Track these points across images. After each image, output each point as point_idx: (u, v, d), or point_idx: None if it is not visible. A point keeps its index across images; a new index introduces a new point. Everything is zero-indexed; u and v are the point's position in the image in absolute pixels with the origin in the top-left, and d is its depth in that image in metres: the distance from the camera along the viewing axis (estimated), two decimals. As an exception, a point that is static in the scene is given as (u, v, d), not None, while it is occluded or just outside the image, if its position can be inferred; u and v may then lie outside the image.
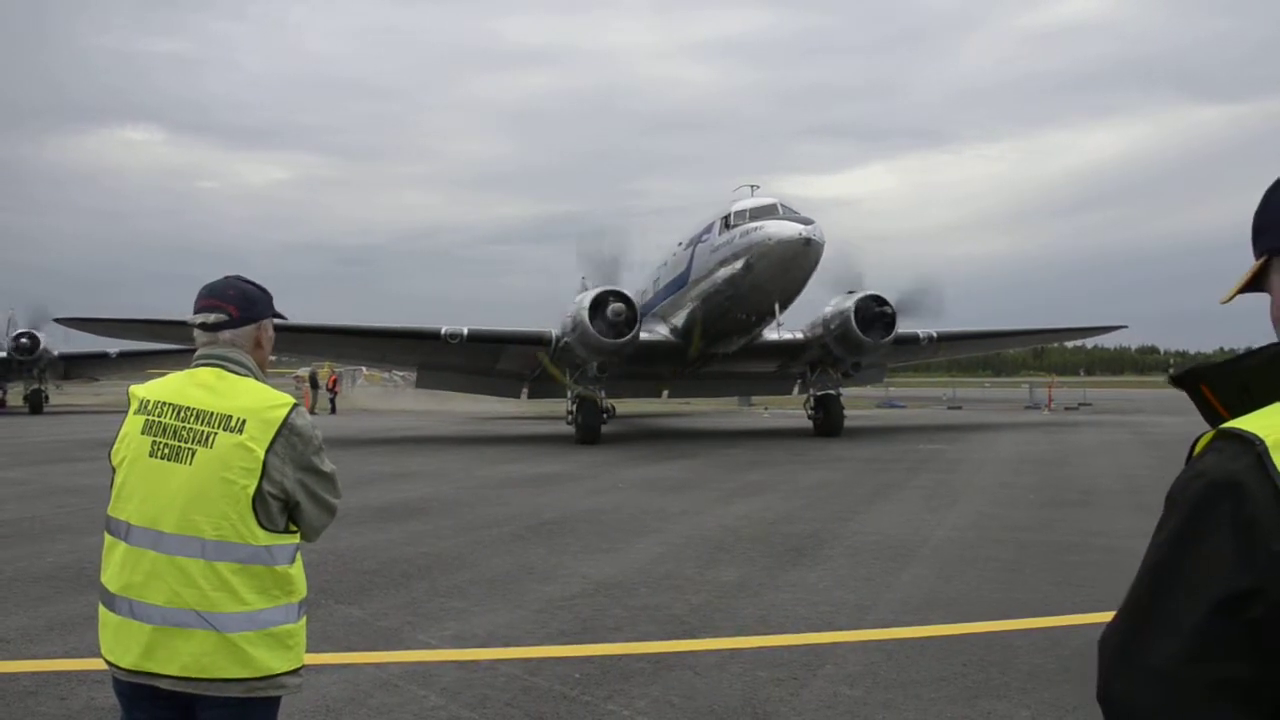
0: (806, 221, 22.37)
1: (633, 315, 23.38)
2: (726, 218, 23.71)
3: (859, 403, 41.57)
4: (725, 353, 26.68)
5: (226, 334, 3.06)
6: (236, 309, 3.07)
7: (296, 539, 2.98)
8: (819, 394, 27.33)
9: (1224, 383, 1.40)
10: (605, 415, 25.75)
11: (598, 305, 23.23)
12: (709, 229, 24.45)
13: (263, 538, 2.85)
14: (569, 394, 25.78)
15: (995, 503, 13.28)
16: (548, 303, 32.71)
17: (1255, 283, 1.45)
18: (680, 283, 25.44)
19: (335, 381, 47.62)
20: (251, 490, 2.83)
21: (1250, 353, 1.38)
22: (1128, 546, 9.63)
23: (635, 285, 26.66)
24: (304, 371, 46.45)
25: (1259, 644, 1.18)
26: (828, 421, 26.69)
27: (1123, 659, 1.28)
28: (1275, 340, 1.39)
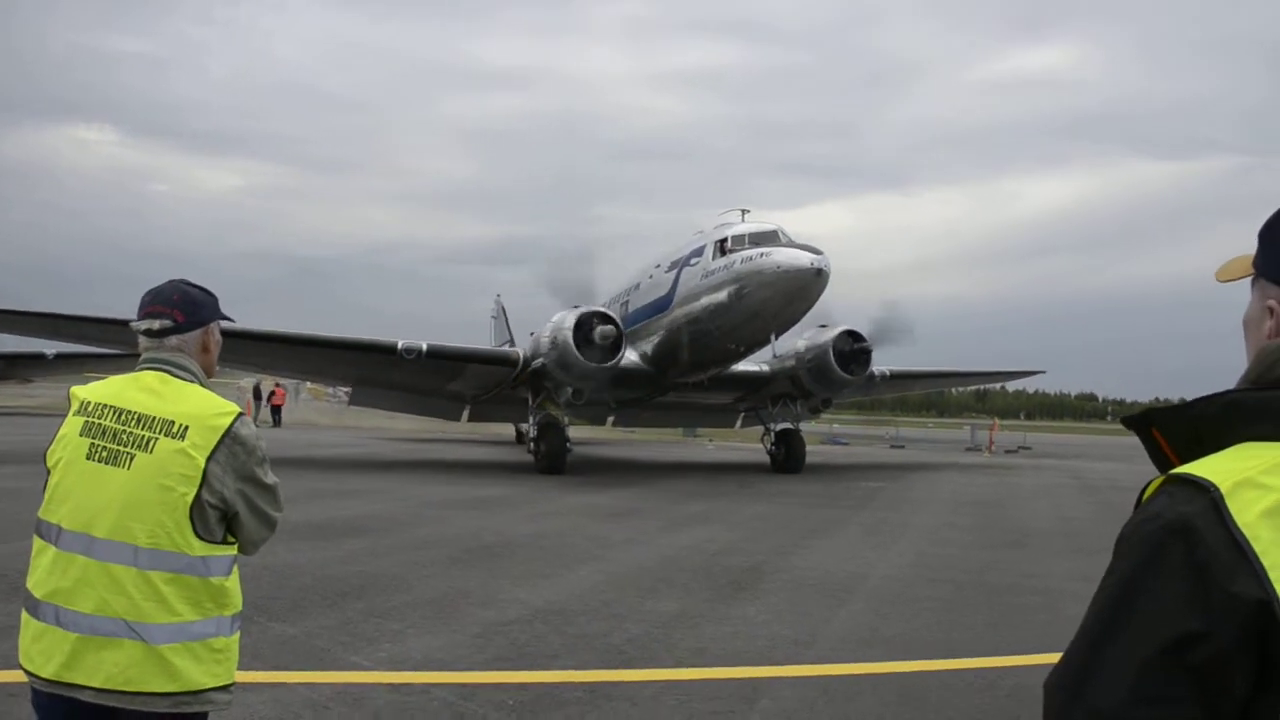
0: (816, 251, 21.31)
1: (619, 339, 22.39)
2: (722, 242, 22.58)
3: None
4: (693, 382, 25.59)
5: (173, 339, 3.00)
6: (182, 314, 3.01)
7: (234, 551, 2.91)
8: (780, 428, 26.56)
9: (1176, 428, 1.41)
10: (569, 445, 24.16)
11: (580, 327, 22.12)
12: (697, 252, 23.31)
13: (198, 548, 2.78)
14: (531, 418, 24.46)
15: (935, 542, 13.37)
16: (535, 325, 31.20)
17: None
18: (660, 306, 24.17)
19: (282, 395, 46.99)
20: (190, 498, 2.77)
21: (1204, 399, 1.39)
22: (1064, 589, 9.74)
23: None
24: (247, 382, 45.70)
25: (1207, 687, 1.18)
26: (789, 457, 25.95)
27: (1070, 701, 1.26)
28: (1224, 390, 1.39)
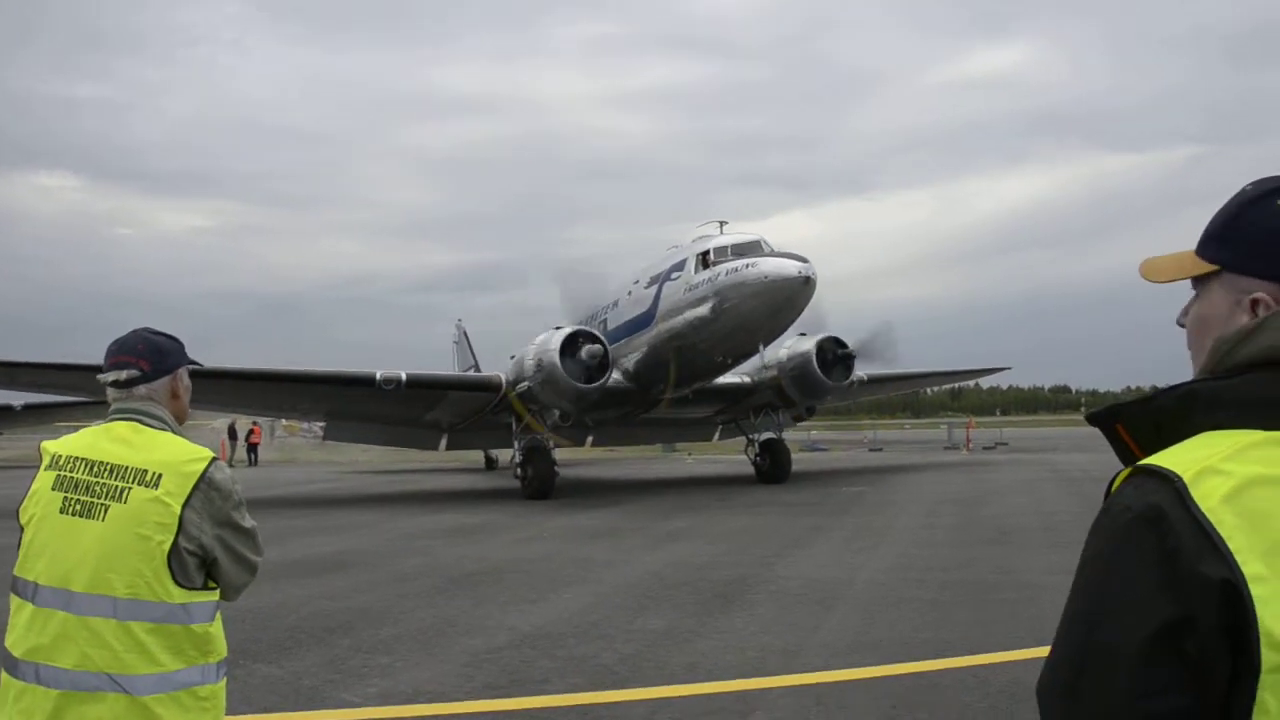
0: (802, 259, 21.07)
1: (607, 358, 21.97)
2: (704, 255, 22.24)
3: (782, 446, 41.75)
4: (677, 397, 25.05)
5: (141, 388, 2.98)
6: (148, 363, 3.00)
7: (215, 596, 2.89)
8: (763, 439, 26.32)
9: (1138, 421, 1.42)
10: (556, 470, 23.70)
11: (565, 347, 21.63)
12: (679, 266, 22.92)
13: (178, 595, 2.75)
14: (515, 443, 23.98)
15: (918, 543, 13.42)
16: (499, 350, 30.38)
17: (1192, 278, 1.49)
18: (642, 323, 23.66)
19: (259, 433, 46.67)
20: (167, 546, 2.74)
21: (1162, 391, 1.41)
22: (1047, 583, 9.79)
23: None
24: (221, 422, 45.30)
25: (1195, 673, 1.19)
26: (775, 467, 25.71)
27: (1066, 703, 1.27)
28: (1183, 381, 1.41)
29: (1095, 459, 32.49)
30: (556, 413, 22.70)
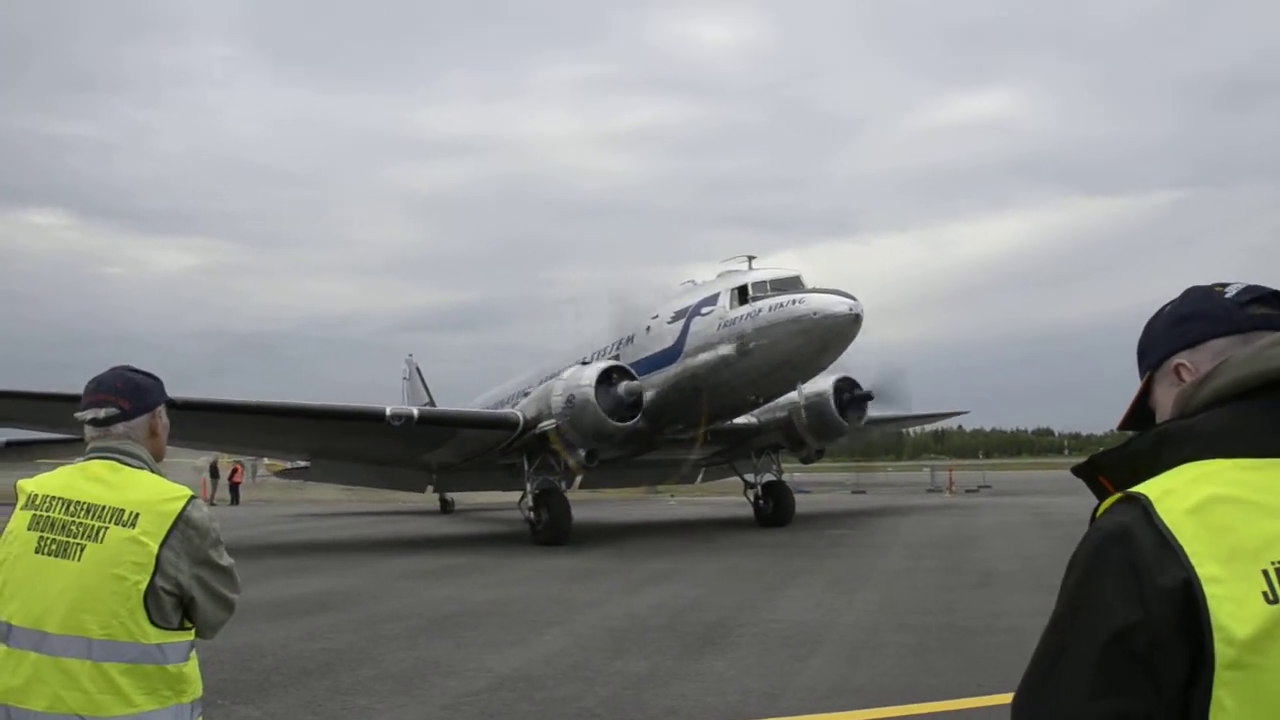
0: (850, 296, 20.43)
1: (641, 396, 21.02)
2: (742, 289, 21.42)
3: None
4: (688, 437, 23.65)
5: (119, 427, 2.97)
6: (127, 401, 3.00)
7: (191, 636, 2.87)
8: (765, 481, 25.62)
9: (1117, 466, 1.57)
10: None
11: (600, 383, 20.49)
12: (710, 300, 21.95)
13: (154, 635, 2.73)
14: (528, 485, 22.50)
15: (901, 586, 13.40)
16: (448, 390, 30.20)
17: (1142, 402, 1.72)
18: (666, 359, 22.43)
19: (241, 472, 46.31)
20: (144, 586, 2.73)
21: (1138, 435, 1.56)
22: (1030, 627, 9.76)
23: (555, 364, 24.47)
24: (203, 460, 44.92)
25: (1152, 673, 1.30)
26: (778, 510, 24.97)
27: (1030, 706, 1.41)
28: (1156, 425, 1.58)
29: (1078, 501, 32.51)
30: (583, 452, 21.38)
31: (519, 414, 22.67)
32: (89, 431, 3.00)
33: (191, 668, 2.84)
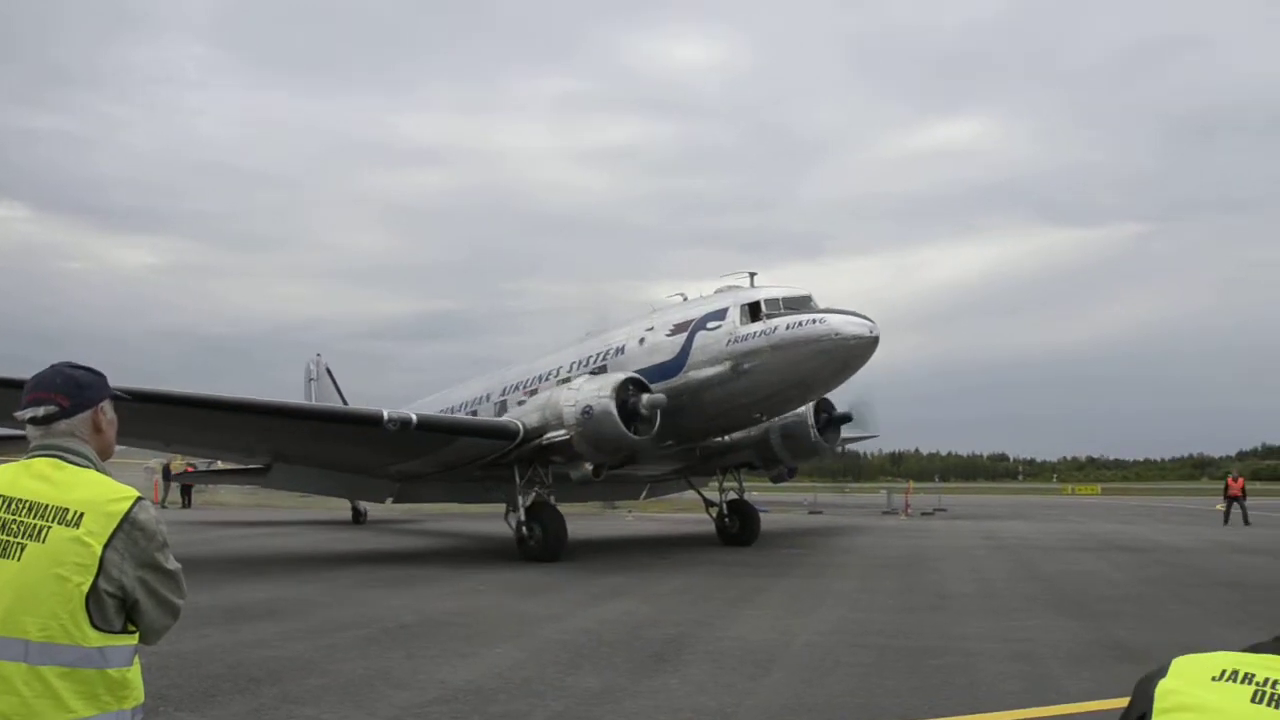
0: (868, 318, 20.28)
1: (658, 410, 20.29)
2: (753, 306, 20.98)
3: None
4: (670, 452, 23.19)
5: (61, 424, 2.91)
6: (66, 398, 2.93)
7: (134, 640, 2.80)
8: (730, 499, 25.42)
9: None
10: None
11: (617, 395, 19.90)
12: (717, 315, 21.45)
13: (94, 639, 2.66)
14: (520, 498, 21.62)
15: (856, 607, 13.42)
16: (416, 398, 29.24)
17: None
18: (665, 372, 21.73)
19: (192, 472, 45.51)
20: (86, 588, 2.66)
21: None
22: (983, 649, 9.83)
23: (518, 375, 24.47)
24: (156, 462, 44.12)
25: None
26: (744, 529, 24.80)
27: None
28: None
29: (1031, 527, 32.88)
30: (589, 466, 20.78)
31: (518, 423, 21.78)
32: (30, 430, 2.94)
33: (134, 673, 2.77)
